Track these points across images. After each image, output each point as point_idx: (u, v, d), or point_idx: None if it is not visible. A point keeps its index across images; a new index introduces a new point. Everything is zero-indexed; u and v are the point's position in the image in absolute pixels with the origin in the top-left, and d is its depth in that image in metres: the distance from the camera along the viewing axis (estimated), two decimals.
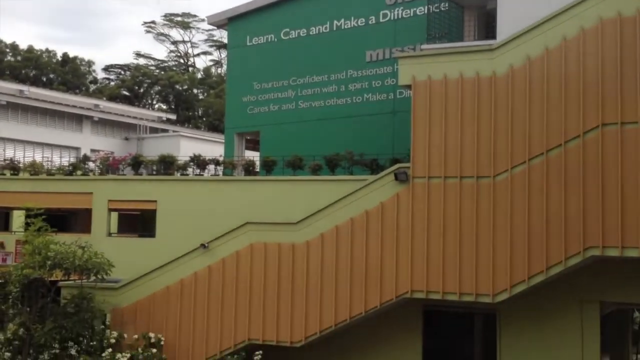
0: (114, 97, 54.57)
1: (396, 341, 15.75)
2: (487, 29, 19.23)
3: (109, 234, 20.70)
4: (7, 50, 58.58)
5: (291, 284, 15.57)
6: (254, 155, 23.02)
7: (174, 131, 40.20)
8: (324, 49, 22.53)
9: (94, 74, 65.11)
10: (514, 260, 13.85)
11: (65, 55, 61.08)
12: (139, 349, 15.75)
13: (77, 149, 35.17)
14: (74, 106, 36.59)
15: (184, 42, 67.72)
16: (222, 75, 61.98)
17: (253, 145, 26.09)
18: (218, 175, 20.47)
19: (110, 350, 15.78)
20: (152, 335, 16.05)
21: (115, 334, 16.13)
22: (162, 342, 15.99)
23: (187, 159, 20.44)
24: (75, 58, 62.01)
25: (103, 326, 16.63)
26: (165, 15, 65.22)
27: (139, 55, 66.24)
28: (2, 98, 32.76)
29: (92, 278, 16.46)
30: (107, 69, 65.14)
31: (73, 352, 16.18)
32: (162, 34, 66.51)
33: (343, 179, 17.44)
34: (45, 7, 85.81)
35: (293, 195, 17.85)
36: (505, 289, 13.93)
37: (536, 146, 13.89)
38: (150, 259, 17.49)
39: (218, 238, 16.38)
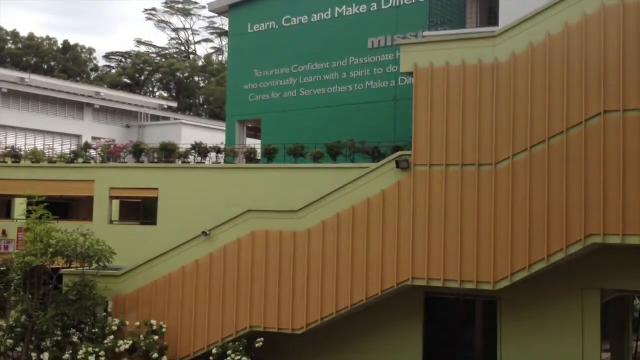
0: (114, 85, 54.48)
1: (397, 328, 15.79)
2: (489, 15, 19.13)
3: (111, 222, 20.73)
4: (8, 37, 58.42)
5: (292, 271, 15.60)
6: (255, 143, 22.99)
7: (175, 119, 40.16)
8: (325, 36, 22.44)
9: (94, 61, 64.97)
10: (515, 247, 13.86)
11: (66, 42, 60.92)
12: (141, 336, 15.82)
13: (78, 136, 35.13)
14: (75, 94, 36.55)
15: (184, 29, 67.56)
16: (223, 62, 61.83)
17: (254, 132, 26.07)
18: (219, 163, 20.46)
19: (112, 337, 15.85)
20: (153, 322, 16.11)
21: (117, 321, 16.20)
22: (163, 329, 16.05)
23: (188, 146, 20.43)
24: (76, 45, 61.83)
25: (105, 313, 16.70)
26: (165, 2, 65.02)
27: (139, 42, 66.11)
28: (3, 86, 32.71)
29: (94, 265, 16.52)
30: (107, 56, 65.00)
31: (75, 339, 16.27)
32: (162, 21, 66.33)
33: (344, 167, 17.44)
34: None
35: (294, 183, 17.85)
36: (506, 276, 13.94)
37: (538, 133, 13.85)
38: (151, 246, 17.53)
39: (219, 226, 16.40)
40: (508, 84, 14.15)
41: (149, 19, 65.98)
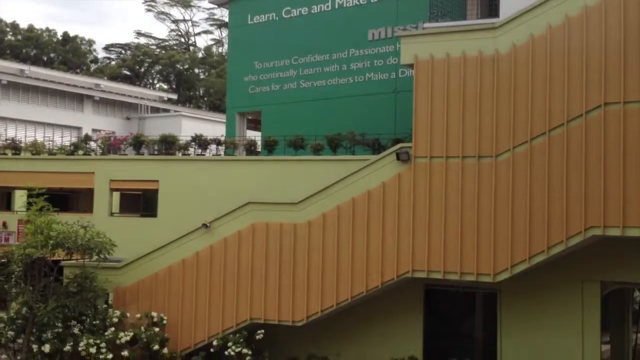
0: (114, 77, 54.40)
1: (397, 320, 15.82)
2: (490, 7, 19.05)
3: (111, 214, 20.75)
4: (8, 29, 58.28)
5: (293, 263, 15.62)
6: (255, 135, 22.98)
7: (175, 111, 40.11)
8: (325, 28, 22.38)
9: (94, 53, 64.84)
10: (515, 239, 13.86)
11: (65, 34, 60.79)
12: (142, 328, 15.85)
13: (79, 128, 35.12)
14: (75, 85, 36.51)
15: (184, 20, 67.38)
16: (224, 54, 61.70)
17: (255, 125, 26.04)
18: (219, 155, 20.45)
19: (112, 329, 15.88)
20: (154, 314, 16.14)
21: (117, 313, 16.23)
22: (164, 321, 16.08)
23: (189, 138, 20.43)
24: (75, 37, 61.71)
25: (106, 305, 16.72)
26: None
27: (139, 34, 65.95)
28: (3, 77, 32.66)
29: (95, 257, 16.53)
30: (107, 48, 64.86)
31: (76, 331, 16.30)
32: (162, 13, 66.12)
33: (345, 159, 17.44)
34: None
35: (295, 175, 17.86)
36: (506, 269, 13.96)
37: (538, 126, 13.84)
38: (152, 238, 17.55)
39: (220, 218, 16.40)
40: (509, 76, 14.13)
41: (148, 10, 65.82)
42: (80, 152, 21.68)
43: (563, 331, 14.58)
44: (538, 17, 13.95)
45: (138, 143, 20.77)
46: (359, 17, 21.76)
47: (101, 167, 20.43)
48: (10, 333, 16.39)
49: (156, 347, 15.54)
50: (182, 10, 66.14)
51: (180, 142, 20.34)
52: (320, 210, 15.53)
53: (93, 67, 61.79)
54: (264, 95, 23.47)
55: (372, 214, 15.10)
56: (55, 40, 60.37)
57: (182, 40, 68.74)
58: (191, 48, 67.34)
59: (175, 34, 68.71)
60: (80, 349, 15.57)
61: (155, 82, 62.62)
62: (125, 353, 15.50)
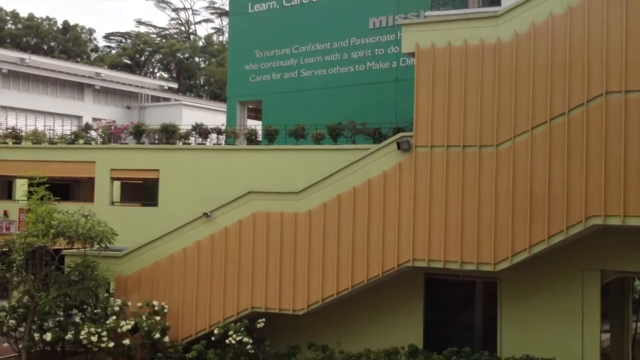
0: (115, 66, 54.29)
1: (397, 309, 15.86)
2: None
3: (112, 203, 20.76)
4: (8, 18, 58.12)
5: (293, 252, 15.64)
6: (256, 124, 22.95)
7: (175, 100, 40.06)
8: (326, 17, 22.30)
9: (94, 42, 64.74)
10: (516, 228, 13.87)
11: (66, 23, 60.64)
12: (143, 317, 15.90)
13: (79, 117, 35.09)
14: (75, 74, 36.43)
15: (185, 9, 67.44)
16: (224, 43, 61.55)
17: (255, 114, 26.01)
18: (220, 144, 20.44)
19: (114, 317, 15.93)
20: (155, 303, 16.18)
21: (119, 301, 16.27)
22: (165, 310, 16.13)
23: (189, 128, 20.40)
24: (76, 26, 61.57)
25: (107, 294, 16.77)
26: None
27: (140, 23, 65.85)
28: (3, 66, 32.60)
29: (96, 246, 16.57)
30: (108, 37, 64.74)
31: (77, 319, 16.36)
32: (163, 1, 65.95)
33: (346, 148, 17.42)
34: None
35: (295, 165, 17.85)
36: (506, 258, 13.97)
37: (539, 115, 13.81)
38: (153, 227, 17.58)
39: (220, 207, 16.42)
40: (510, 65, 14.09)
41: None
42: (81, 141, 21.67)
43: (563, 320, 14.61)
44: (540, 6, 13.88)
45: (139, 132, 20.76)
46: (360, 6, 21.69)
47: (102, 156, 20.43)
48: (12, 321, 16.44)
49: (157, 335, 15.59)
50: None
51: (181, 131, 20.32)
52: (321, 200, 15.53)
53: (93, 56, 61.67)
54: (264, 84, 23.43)
55: (372, 203, 15.10)
56: (55, 29, 60.24)
57: (183, 28, 68.58)
58: (192, 37, 67.19)
59: (175, 22, 68.61)
60: (81, 337, 15.63)
61: (156, 71, 62.51)
62: (126, 341, 15.56)
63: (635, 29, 13.10)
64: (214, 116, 31.83)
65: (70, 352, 16.86)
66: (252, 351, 15.31)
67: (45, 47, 57.86)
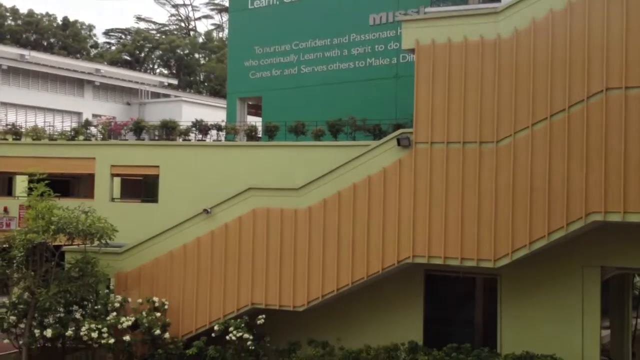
0: (115, 62, 54.25)
1: (398, 305, 15.87)
2: None
3: (112, 199, 20.77)
4: (8, 14, 58.06)
5: (293, 249, 15.64)
6: (256, 121, 22.95)
7: (175, 96, 40.06)
8: (326, 13, 22.27)
9: (94, 38, 64.69)
10: (516, 225, 13.87)
11: (65, 19, 60.56)
12: (143, 313, 15.91)
13: (79, 113, 35.09)
14: (75, 70, 36.42)
15: (184, 5, 67.23)
16: (224, 39, 61.50)
17: (255, 110, 25.99)
18: (220, 140, 20.43)
19: (114, 314, 15.94)
20: (156, 299, 16.20)
21: (119, 298, 16.28)
22: (166, 306, 16.14)
23: (189, 124, 20.39)
24: (75, 22, 61.49)
25: (107, 290, 16.78)
26: None
27: (139, 19, 65.76)
28: (3, 62, 32.60)
29: (96, 243, 16.57)
30: (107, 33, 64.68)
31: (78, 315, 16.38)
32: None
33: (345, 145, 17.41)
34: None
35: (295, 161, 17.84)
36: (506, 254, 13.98)
37: (540, 111, 13.80)
38: (153, 224, 17.58)
39: (221, 203, 16.42)
40: (510, 61, 14.07)
41: None
42: (81, 137, 21.67)
43: (563, 316, 14.62)
44: (540, 2, 13.86)
45: (138, 128, 20.75)
46: (360, 2, 21.66)
47: (102, 153, 20.42)
48: (12, 318, 16.45)
49: (158, 331, 15.61)
50: None
51: (181, 127, 20.31)
52: (321, 196, 15.54)
53: (93, 52, 61.61)
54: (264, 81, 23.40)
55: (372, 200, 15.11)
56: (55, 25, 60.16)
57: (183, 25, 68.51)
58: (191, 33, 67.11)
59: (175, 18, 68.53)
60: (82, 333, 15.64)
61: (156, 67, 62.47)
62: (126, 338, 15.57)
63: (635, 25, 13.08)
64: (214, 112, 31.82)
65: (70, 348, 16.88)
66: (253, 347, 15.32)
67: (45, 44, 57.80)
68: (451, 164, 14.46)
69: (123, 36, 64.69)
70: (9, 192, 25.04)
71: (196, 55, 61.95)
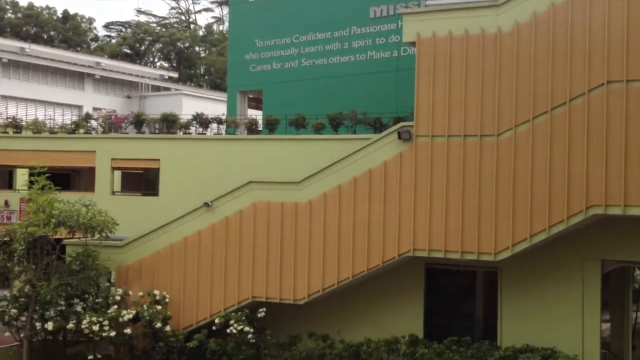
0: (115, 55, 54.15)
1: (398, 299, 15.89)
2: None
3: (113, 193, 20.77)
4: (7, 7, 57.96)
5: (294, 242, 15.65)
6: (256, 114, 22.92)
7: (176, 89, 40.00)
8: (326, 6, 22.18)
9: (94, 31, 64.58)
10: (516, 218, 13.88)
11: (65, 12, 60.45)
12: (144, 306, 15.93)
13: (79, 107, 35.06)
14: (75, 64, 36.38)
15: None
16: (224, 32, 61.37)
17: (256, 103, 25.95)
18: (221, 134, 20.41)
19: (115, 307, 15.97)
20: (156, 292, 16.22)
21: (120, 291, 16.31)
22: (166, 300, 16.16)
23: (190, 117, 20.37)
24: (75, 15, 61.38)
25: (108, 283, 16.81)
26: None
27: (139, 12, 65.77)
28: (3, 56, 32.55)
29: (97, 236, 16.59)
30: (107, 26, 64.58)
31: (79, 308, 16.42)
32: None
33: (346, 138, 17.39)
34: None
35: (296, 154, 17.83)
36: (507, 247, 13.99)
37: (541, 104, 13.79)
38: (153, 217, 17.60)
39: (221, 197, 16.42)
40: (511, 54, 14.05)
41: None
42: (82, 130, 21.66)
43: (563, 309, 14.64)
44: None
45: (139, 122, 20.73)
46: None
47: (102, 146, 20.41)
48: (14, 311, 16.49)
49: (158, 324, 15.64)
50: None
51: (182, 120, 20.29)
52: (322, 190, 15.54)
53: (93, 45, 61.53)
54: (265, 74, 23.34)
55: (373, 193, 15.10)
56: (55, 18, 60.06)
57: (183, 18, 68.37)
58: (192, 26, 66.99)
59: (175, 11, 68.39)
60: (83, 326, 15.67)
61: (156, 60, 62.37)
62: (127, 331, 15.61)
63: (636, 18, 13.05)
64: (214, 106, 31.77)
65: (71, 341, 16.91)
66: (253, 340, 15.36)
67: (45, 37, 57.71)
68: (452, 158, 14.45)
69: (123, 29, 64.60)
70: (10, 185, 25.04)
71: (196, 49, 61.85)
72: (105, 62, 41.06)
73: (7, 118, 23.32)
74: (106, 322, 15.58)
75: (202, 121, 20.12)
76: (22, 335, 16.51)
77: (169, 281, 16.52)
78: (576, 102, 13.50)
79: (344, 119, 18.36)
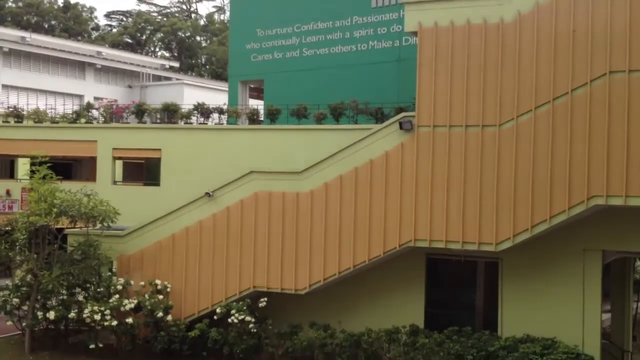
0: (116, 44, 54.06)
1: (399, 289, 15.92)
2: None
3: (114, 182, 20.77)
4: None
5: (295, 232, 15.67)
6: (258, 104, 22.87)
7: (177, 79, 39.94)
8: None
9: (95, 20, 64.40)
10: (518, 209, 13.88)
11: (66, 1, 60.27)
12: (146, 295, 15.99)
13: (81, 96, 35.03)
14: (76, 53, 36.32)
15: None
16: (226, 22, 61.20)
17: (257, 93, 25.89)
18: (222, 124, 20.39)
19: (117, 296, 16.02)
20: (158, 282, 16.26)
21: (121, 280, 16.36)
22: (168, 289, 16.21)
23: (191, 107, 20.34)
24: (76, 4, 61.20)
25: (110, 273, 16.84)
26: None
27: (141, 1, 65.41)
28: (4, 45, 32.50)
29: (98, 225, 16.62)
30: (109, 15, 64.39)
31: (80, 298, 16.48)
32: None
33: (347, 128, 17.37)
34: None
35: (297, 144, 17.80)
36: (508, 238, 14.00)
37: (543, 94, 13.76)
38: (155, 207, 17.60)
39: (222, 187, 16.43)
40: (513, 45, 14.01)
41: None
42: (83, 120, 21.64)
43: (564, 300, 14.66)
44: None
45: (140, 111, 20.70)
46: None
47: (104, 136, 20.40)
48: (15, 300, 16.55)
49: (160, 314, 15.69)
50: None
51: (183, 110, 20.26)
52: (323, 180, 15.54)
53: (94, 34, 61.37)
54: (266, 64, 23.26)
55: (374, 184, 15.10)
56: (56, 7, 59.91)
57: (184, 7, 68.15)
58: (193, 15, 66.80)
59: (177, 1, 68.13)
60: (84, 315, 15.73)
61: (157, 50, 62.24)
62: (129, 320, 15.66)
63: (639, 9, 12.98)
64: (215, 95, 31.72)
65: (73, 330, 17.00)
66: (255, 330, 15.40)
67: (46, 26, 57.57)
68: (453, 148, 14.44)
69: (124, 19, 64.43)
70: (11, 174, 25.06)
71: (198, 38, 61.71)
72: (106, 51, 40.99)
73: (8, 107, 23.30)
74: (108, 312, 15.63)
75: (204, 111, 20.08)
76: (24, 324, 16.58)
77: (170, 271, 16.56)
78: (578, 92, 13.47)
79: (346, 109, 18.32)
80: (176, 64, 48.36)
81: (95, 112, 22.04)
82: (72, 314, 16.01)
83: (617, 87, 13.12)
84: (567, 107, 13.54)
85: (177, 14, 66.11)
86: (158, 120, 20.67)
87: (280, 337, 15.76)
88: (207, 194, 16.44)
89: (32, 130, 21.20)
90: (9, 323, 17.00)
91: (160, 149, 19.65)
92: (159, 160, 19.85)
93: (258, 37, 23.40)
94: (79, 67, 35.96)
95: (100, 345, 15.94)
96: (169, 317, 15.83)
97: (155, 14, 64.82)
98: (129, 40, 59.58)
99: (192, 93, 33.23)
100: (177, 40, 60.10)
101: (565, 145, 13.52)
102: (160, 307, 15.77)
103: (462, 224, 14.33)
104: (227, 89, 26.16)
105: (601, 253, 14.55)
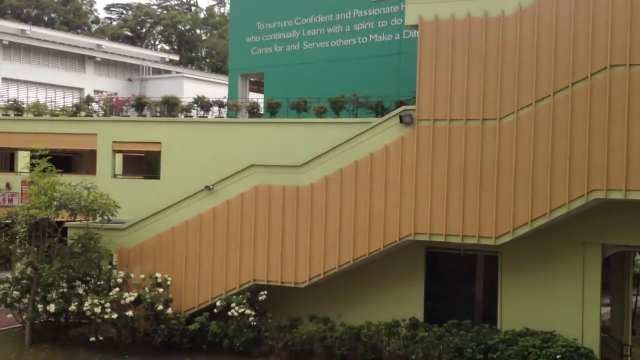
0: (116, 37, 53.95)
1: (399, 282, 15.94)
2: None
3: (114, 176, 20.77)
4: None
5: (295, 225, 15.68)
6: (257, 97, 22.84)
7: (177, 72, 39.88)
8: None
9: (95, 13, 64.27)
10: (518, 202, 13.88)
11: None
12: (146, 289, 16.00)
13: (80, 89, 34.99)
14: (76, 46, 36.25)
15: None
16: (226, 15, 61.07)
17: (257, 87, 25.87)
18: (222, 117, 20.38)
19: (117, 289, 16.04)
20: (158, 275, 16.28)
21: (122, 273, 16.38)
22: (168, 282, 16.23)
23: (191, 100, 20.32)
24: None
25: (110, 266, 16.86)
26: None
27: None
28: (4, 38, 32.42)
29: (98, 219, 16.63)
30: (108, 8, 64.25)
31: (80, 291, 16.50)
32: None
33: (348, 122, 17.34)
34: None
35: (297, 138, 17.78)
36: (508, 232, 14.01)
37: (543, 88, 13.75)
38: (155, 200, 17.62)
39: (222, 180, 16.43)
40: (514, 38, 13.98)
41: None
42: (83, 113, 21.62)
43: (563, 293, 14.68)
44: None
45: (140, 104, 20.68)
46: None
47: (104, 129, 20.38)
48: (16, 293, 16.57)
49: (160, 307, 15.71)
50: None
51: (183, 104, 20.24)
52: (323, 173, 15.54)
53: (94, 27, 61.24)
54: (266, 57, 23.23)
55: (374, 177, 15.10)
56: (56, 0, 59.71)
57: (184, 0, 67.96)
58: (193, 8, 66.64)
59: None
60: (85, 308, 15.74)
61: (157, 43, 62.12)
62: (129, 313, 15.68)
63: None
64: (215, 89, 31.68)
65: (73, 323, 17.04)
66: (254, 323, 15.44)
67: (46, 19, 57.43)
68: (453, 141, 14.43)
69: (124, 11, 64.28)
70: (11, 167, 25.06)
71: (198, 31, 61.58)
72: (106, 44, 40.91)
73: (8, 100, 23.28)
74: (108, 305, 15.65)
75: (204, 104, 20.06)
76: (24, 317, 16.60)
77: (170, 264, 16.58)
78: (579, 86, 13.45)
79: (346, 103, 18.30)
80: (176, 57, 48.26)
81: (95, 105, 22.03)
82: (72, 307, 16.02)
83: (618, 81, 13.10)
84: (567, 101, 13.53)
85: (177, 7, 65.95)
86: (158, 114, 20.65)
87: (280, 330, 15.79)
88: (207, 187, 16.45)
89: (32, 123, 21.19)
90: (10, 316, 17.04)
91: (160, 142, 19.64)
92: (158, 153, 19.85)
93: (258, 31, 23.36)
94: (79, 60, 35.90)
95: (101, 338, 15.97)
96: (169, 310, 15.86)
97: (155, 7, 64.67)
98: (129, 33, 59.46)
99: (192, 86, 33.18)
100: (177, 34, 59.99)
101: (566, 138, 13.52)
102: (161, 300, 15.80)
103: (462, 218, 14.34)
104: (227, 82, 26.13)
105: (601, 247, 14.57)
